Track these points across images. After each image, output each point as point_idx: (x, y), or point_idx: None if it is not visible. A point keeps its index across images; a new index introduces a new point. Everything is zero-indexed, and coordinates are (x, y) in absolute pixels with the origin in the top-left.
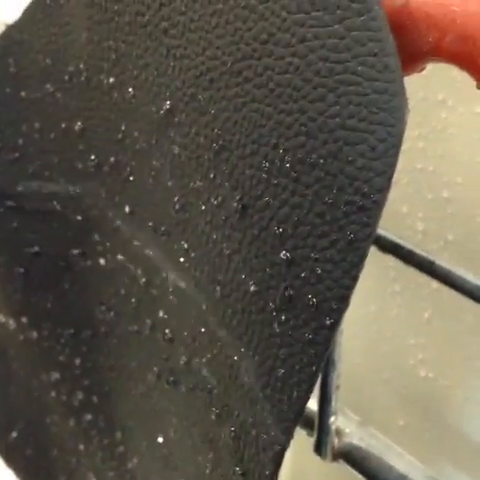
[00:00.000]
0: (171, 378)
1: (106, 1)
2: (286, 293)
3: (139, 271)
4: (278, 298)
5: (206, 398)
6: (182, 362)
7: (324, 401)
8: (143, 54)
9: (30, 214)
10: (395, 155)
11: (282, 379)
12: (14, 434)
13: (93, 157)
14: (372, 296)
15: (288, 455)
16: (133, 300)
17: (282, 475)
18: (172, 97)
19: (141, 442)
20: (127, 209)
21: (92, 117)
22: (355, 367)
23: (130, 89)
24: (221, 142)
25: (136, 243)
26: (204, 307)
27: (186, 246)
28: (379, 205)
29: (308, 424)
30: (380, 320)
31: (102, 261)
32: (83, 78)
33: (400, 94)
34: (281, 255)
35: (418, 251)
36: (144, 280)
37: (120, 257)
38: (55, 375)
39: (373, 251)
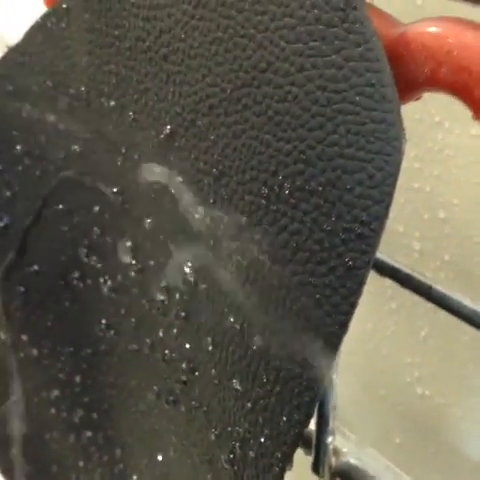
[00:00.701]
0: (171, 398)
1: (107, 26)
2: None
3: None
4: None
5: (205, 419)
6: (181, 382)
7: (322, 421)
8: (143, 79)
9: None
10: (393, 184)
11: (281, 403)
12: (14, 450)
13: (91, 178)
14: (369, 314)
15: (286, 474)
16: (133, 319)
17: None
18: (172, 122)
19: (141, 460)
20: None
21: (92, 139)
22: (351, 384)
23: (130, 113)
24: (221, 168)
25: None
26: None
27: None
28: (377, 233)
29: (306, 443)
30: (377, 338)
31: (102, 281)
32: (84, 101)
33: (397, 124)
34: None
35: (415, 275)
36: (145, 300)
37: (119, 278)
38: (55, 392)
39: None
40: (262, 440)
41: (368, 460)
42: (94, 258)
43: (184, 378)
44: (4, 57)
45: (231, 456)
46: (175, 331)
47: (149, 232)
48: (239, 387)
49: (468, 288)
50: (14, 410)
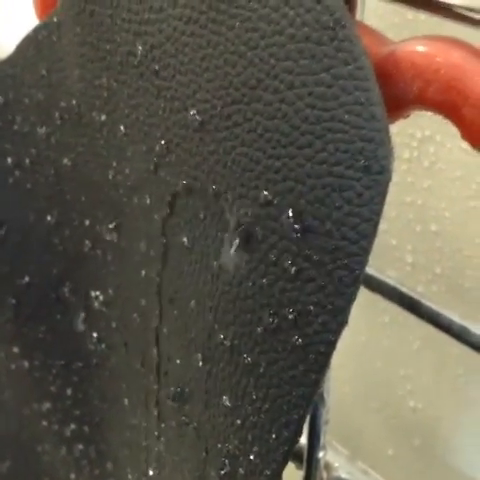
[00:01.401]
0: (161, 413)
1: (98, 40)
2: None
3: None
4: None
5: (196, 435)
6: (172, 398)
7: (313, 435)
8: (134, 94)
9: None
10: (381, 203)
11: (270, 420)
12: (7, 463)
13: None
14: (361, 327)
15: None
16: (124, 333)
17: None
18: (163, 137)
19: (132, 474)
20: (115, 239)
21: (83, 153)
22: (344, 397)
23: (121, 127)
24: (211, 184)
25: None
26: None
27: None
28: (366, 251)
29: (297, 457)
30: (369, 351)
31: (93, 295)
32: (75, 114)
33: (386, 143)
34: None
35: (405, 291)
36: (135, 315)
37: (110, 291)
38: (47, 405)
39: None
40: (252, 457)
41: (359, 475)
42: (85, 271)
43: (174, 393)
44: None
45: (221, 473)
46: (166, 346)
47: None
48: (229, 404)
49: (459, 301)
50: (5, 422)
